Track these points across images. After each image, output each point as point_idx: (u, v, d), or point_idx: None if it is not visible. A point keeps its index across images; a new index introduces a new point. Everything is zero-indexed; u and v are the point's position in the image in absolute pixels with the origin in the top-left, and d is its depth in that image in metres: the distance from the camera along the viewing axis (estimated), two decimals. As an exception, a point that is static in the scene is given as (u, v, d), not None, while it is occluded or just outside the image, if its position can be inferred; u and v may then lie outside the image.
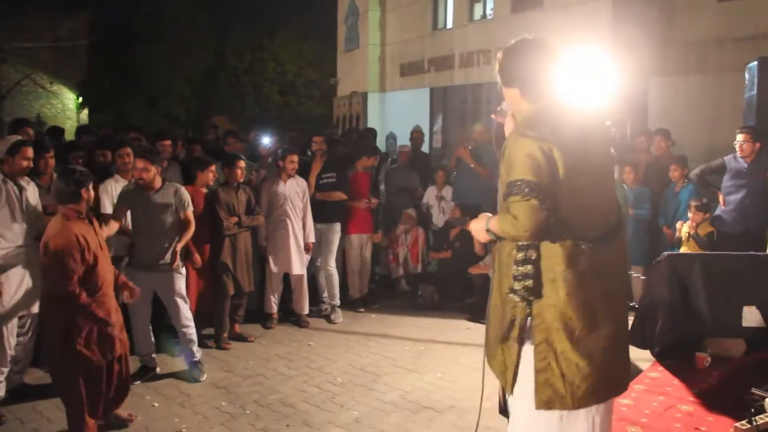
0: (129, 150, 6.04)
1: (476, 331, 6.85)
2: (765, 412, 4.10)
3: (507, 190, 2.58)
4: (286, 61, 29.08)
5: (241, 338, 6.51)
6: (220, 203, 6.24)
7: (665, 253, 5.73)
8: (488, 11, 16.60)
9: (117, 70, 27.36)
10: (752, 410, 4.01)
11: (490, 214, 2.85)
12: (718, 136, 8.60)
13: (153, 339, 5.61)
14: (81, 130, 9.17)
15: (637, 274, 6.91)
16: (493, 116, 3.21)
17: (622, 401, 4.50)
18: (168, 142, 7.13)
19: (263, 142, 8.43)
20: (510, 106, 2.92)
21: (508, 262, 2.75)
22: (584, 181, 2.63)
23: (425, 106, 18.36)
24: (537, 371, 2.69)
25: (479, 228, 2.86)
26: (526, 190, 2.52)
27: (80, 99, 30.33)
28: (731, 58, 8.24)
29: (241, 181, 6.52)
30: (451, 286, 7.66)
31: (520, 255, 2.68)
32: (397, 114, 19.08)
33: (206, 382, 5.50)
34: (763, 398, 3.96)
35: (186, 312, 5.57)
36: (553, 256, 2.65)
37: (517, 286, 2.68)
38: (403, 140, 15.73)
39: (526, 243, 2.65)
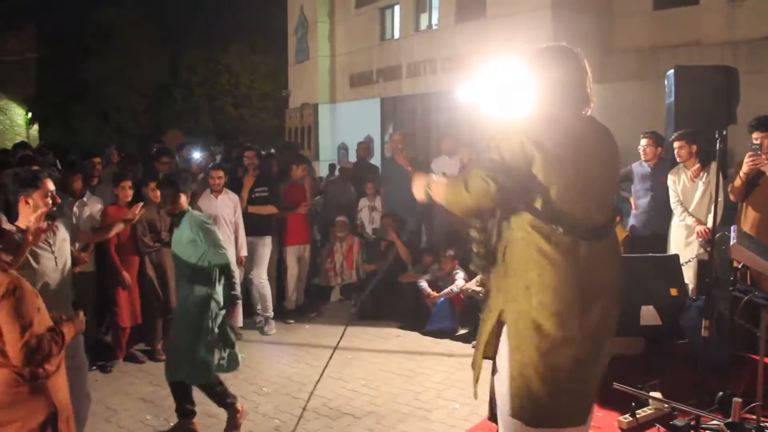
0: None
1: (406, 339, 7.01)
2: (646, 406, 4.32)
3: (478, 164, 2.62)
4: (239, 74, 29.11)
5: (173, 351, 6.55)
6: (139, 221, 6.27)
7: None
8: (434, 21, 16.88)
9: (67, 85, 27.05)
10: (633, 404, 4.22)
11: (435, 177, 2.95)
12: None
13: None
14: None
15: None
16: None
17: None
18: (98, 159, 7.19)
19: (194, 158, 8.48)
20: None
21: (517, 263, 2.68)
22: (565, 182, 2.59)
23: (376, 116, 18.52)
24: (511, 378, 2.64)
25: (418, 187, 2.93)
26: (490, 167, 2.58)
27: (29, 114, 29.76)
28: (666, 65, 8.49)
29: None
30: (383, 295, 7.80)
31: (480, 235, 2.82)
32: (348, 125, 19.22)
33: (134, 396, 5.55)
34: (625, 393, 4.12)
35: None
36: (528, 261, 2.60)
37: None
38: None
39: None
